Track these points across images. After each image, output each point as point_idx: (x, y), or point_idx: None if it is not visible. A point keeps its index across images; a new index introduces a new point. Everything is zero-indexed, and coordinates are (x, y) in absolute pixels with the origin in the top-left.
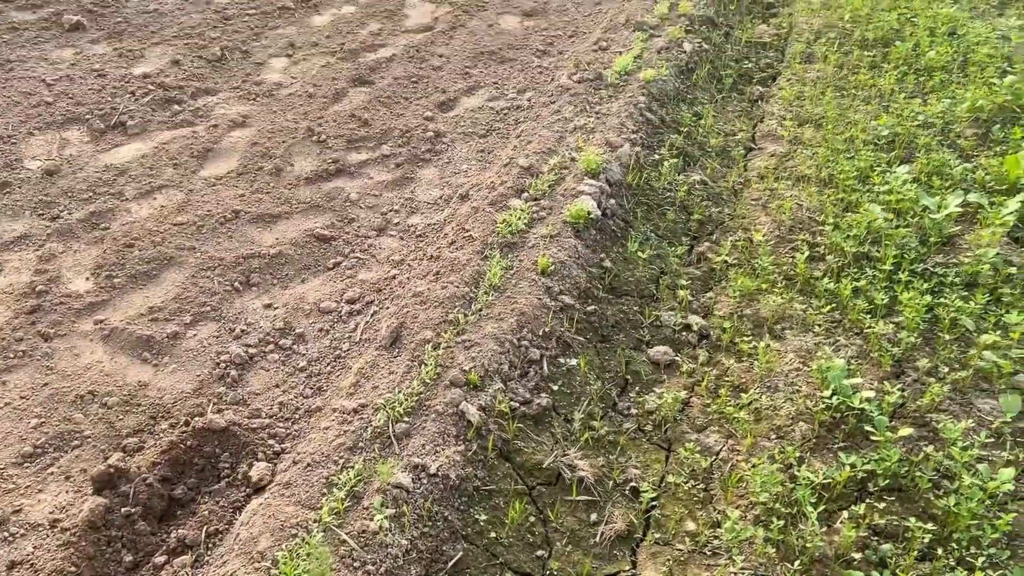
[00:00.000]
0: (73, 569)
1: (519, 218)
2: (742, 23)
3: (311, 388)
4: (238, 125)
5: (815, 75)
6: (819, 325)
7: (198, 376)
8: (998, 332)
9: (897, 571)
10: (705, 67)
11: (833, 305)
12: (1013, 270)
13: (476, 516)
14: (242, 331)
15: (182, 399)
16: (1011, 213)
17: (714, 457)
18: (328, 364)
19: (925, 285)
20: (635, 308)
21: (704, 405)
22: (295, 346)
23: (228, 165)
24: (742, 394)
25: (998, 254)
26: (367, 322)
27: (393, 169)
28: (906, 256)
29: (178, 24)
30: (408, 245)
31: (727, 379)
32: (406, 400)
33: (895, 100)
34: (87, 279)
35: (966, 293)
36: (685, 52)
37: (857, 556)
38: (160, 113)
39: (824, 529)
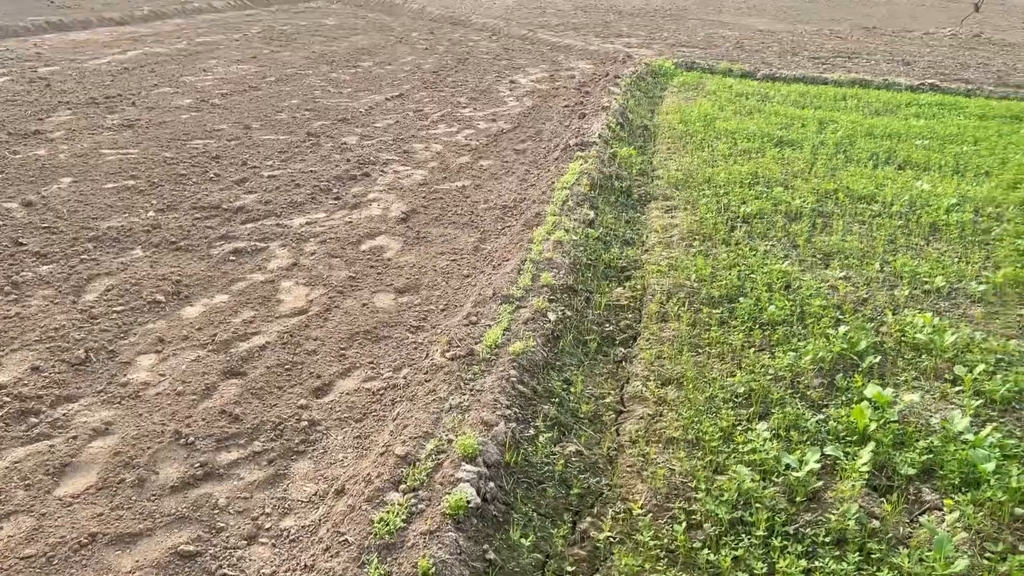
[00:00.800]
0: None
1: (397, 514)
2: (600, 288)
3: None
4: (100, 434)
5: (671, 334)
6: None
7: None
8: None
9: None
10: (570, 334)
11: None
12: (876, 523)
13: None
14: None
15: None
16: (865, 463)
17: None
18: None
19: (799, 547)
20: None
21: None
22: None
23: (87, 480)
24: None
25: (860, 507)
26: None
27: (265, 466)
28: (777, 518)
29: (40, 327)
30: (281, 554)
31: None
32: None
33: (746, 355)
34: None
35: (838, 552)
36: (550, 321)
37: None
38: (15, 428)
39: None
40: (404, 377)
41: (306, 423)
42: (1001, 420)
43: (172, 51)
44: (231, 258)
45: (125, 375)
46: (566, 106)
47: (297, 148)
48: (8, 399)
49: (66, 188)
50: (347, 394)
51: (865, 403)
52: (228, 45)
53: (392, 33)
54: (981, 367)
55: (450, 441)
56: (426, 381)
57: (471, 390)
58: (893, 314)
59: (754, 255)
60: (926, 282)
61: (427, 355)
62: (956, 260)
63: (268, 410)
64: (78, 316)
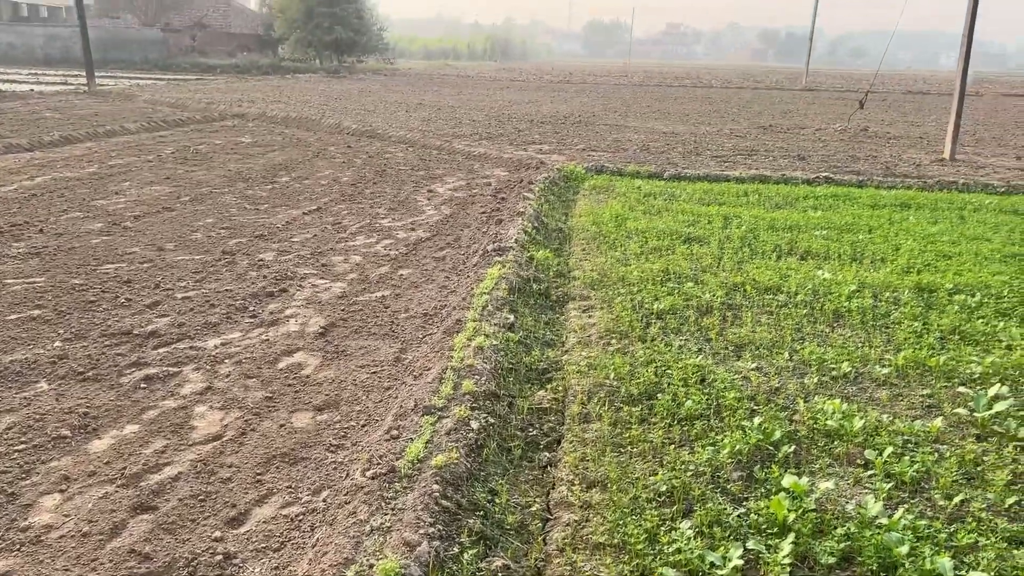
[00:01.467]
0: None
1: None
2: (522, 391)
3: None
4: None
5: (593, 435)
6: None
7: None
8: None
9: None
10: (494, 441)
11: None
12: None
13: None
14: None
15: None
16: (787, 556)
17: None
18: None
19: None
20: None
21: None
22: None
23: None
24: None
25: None
26: None
27: None
28: None
29: None
30: None
31: None
32: None
33: (667, 452)
34: None
35: None
36: (473, 430)
37: None
38: None
39: None
40: (324, 500)
41: (221, 557)
42: (912, 501)
43: (83, 175)
44: (142, 386)
45: (26, 519)
46: (483, 212)
47: (212, 267)
48: None
49: None
50: (264, 522)
51: (783, 494)
52: (141, 167)
53: (309, 148)
54: (890, 450)
55: (371, 566)
56: (346, 503)
57: (393, 509)
58: (804, 402)
59: (669, 351)
60: (833, 368)
61: (347, 475)
62: (860, 345)
63: (181, 545)
64: None
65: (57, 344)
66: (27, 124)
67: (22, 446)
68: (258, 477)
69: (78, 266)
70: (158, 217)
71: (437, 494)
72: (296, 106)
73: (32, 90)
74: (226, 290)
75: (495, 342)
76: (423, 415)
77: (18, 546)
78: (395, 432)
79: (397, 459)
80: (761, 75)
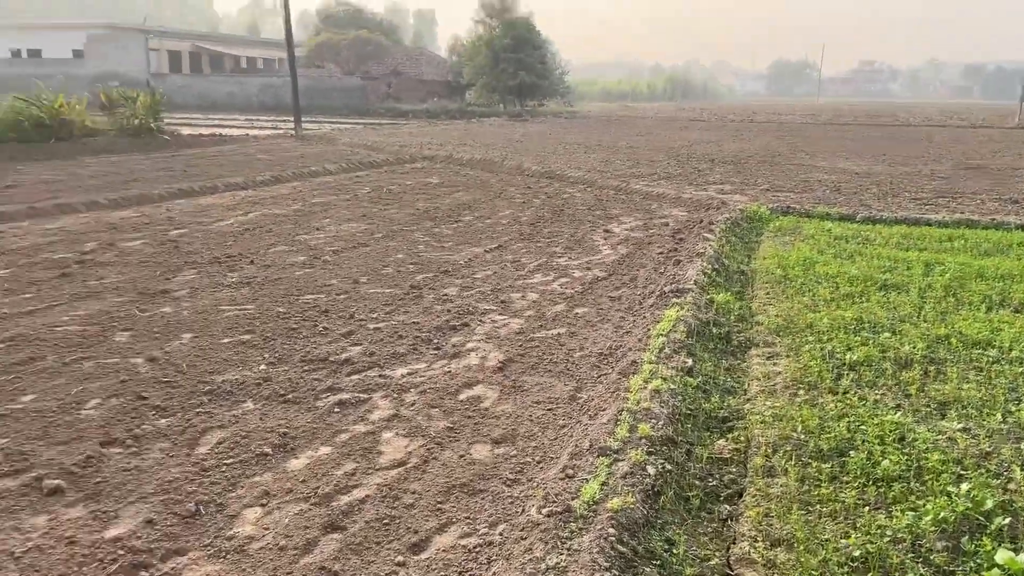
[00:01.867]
0: None
1: None
2: (701, 439)
3: None
4: None
5: (779, 490)
6: None
7: None
8: None
9: None
10: (671, 489)
11: None
12: None
13: None
14: None
15: None
16: None
17: None
18: None
19: None
20: None
21: None
22: None
23: None
24: None
25: None
26: None
27: None
28: None
29: (156, 480)
30: None
31: None
32: None
33: (860, 514)
34: None
35: None
36: (649, 475)
37: None
38: None
39: None
40: (500, 534)
41: None
42: None
43: (288, 212)
44: (336, 410)
45: (232, 528)
46: (660, 253)
47: (401, 300)
48: (123, 552)
49: (187, 343)
50: (444, 551)
51: (996, 571)
52: (339, 205)
53: (491, 189)
54: None
55: None
56: (522, 538)
57: (568, 549)
58: (1021, 470)
59: (863, 405)
60: None
61: (523, 510)
62: None
63: (366, 567)
64: (191, 468)
65: (262, 367)
66: (242, 165)
67: (230, 460)
68: (439, 505)
69: (282, 296)
70: (354, 252)
71: (613, 538)
72: (480, 149)
73: (247, 134)
74: (413, 322)
75: (672, 386)
76: (598, 456)
77: (225, 553)
78: (570, 471)
79: (572, 499)
80: (966, 112)
